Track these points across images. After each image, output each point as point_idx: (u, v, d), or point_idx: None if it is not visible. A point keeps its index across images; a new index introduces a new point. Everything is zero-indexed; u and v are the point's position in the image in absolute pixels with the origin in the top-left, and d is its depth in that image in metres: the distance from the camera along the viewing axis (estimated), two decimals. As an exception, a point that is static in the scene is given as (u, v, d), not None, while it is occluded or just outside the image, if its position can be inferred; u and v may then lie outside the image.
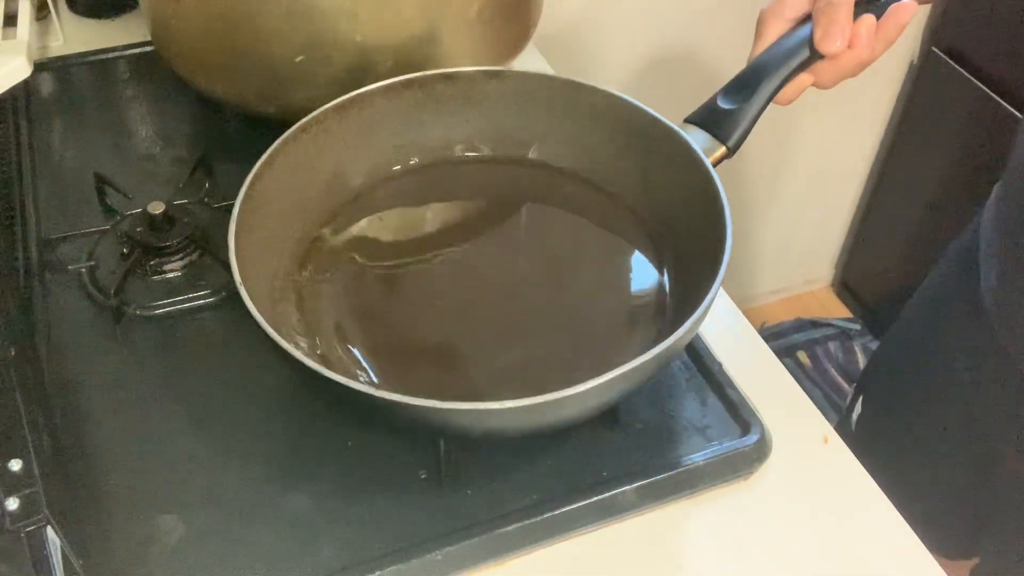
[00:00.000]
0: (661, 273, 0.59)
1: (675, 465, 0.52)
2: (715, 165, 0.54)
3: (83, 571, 0.43)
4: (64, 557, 0.42)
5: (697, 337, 0.60)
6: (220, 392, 0.56)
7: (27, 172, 0.71)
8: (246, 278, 0.49)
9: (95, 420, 0.54)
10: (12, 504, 0.41)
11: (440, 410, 0.43)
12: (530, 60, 0.86)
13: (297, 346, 0.49)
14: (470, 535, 0.49)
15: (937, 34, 1.41)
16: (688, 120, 0.56)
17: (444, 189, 0.65)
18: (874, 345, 1.71)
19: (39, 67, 0.81)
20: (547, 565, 0.49)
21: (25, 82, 0.72)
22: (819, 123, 1.50)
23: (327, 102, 0.62)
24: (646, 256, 0.60)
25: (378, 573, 0.47)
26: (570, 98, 0.62)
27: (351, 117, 0.61)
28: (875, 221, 1.68)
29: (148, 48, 0.83)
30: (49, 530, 0.41)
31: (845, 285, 1.81)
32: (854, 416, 0.90)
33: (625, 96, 0.60)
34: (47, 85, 0.82)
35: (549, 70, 0.87)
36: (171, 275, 0.63)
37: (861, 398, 0.91)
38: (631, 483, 0.51)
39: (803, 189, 1.62)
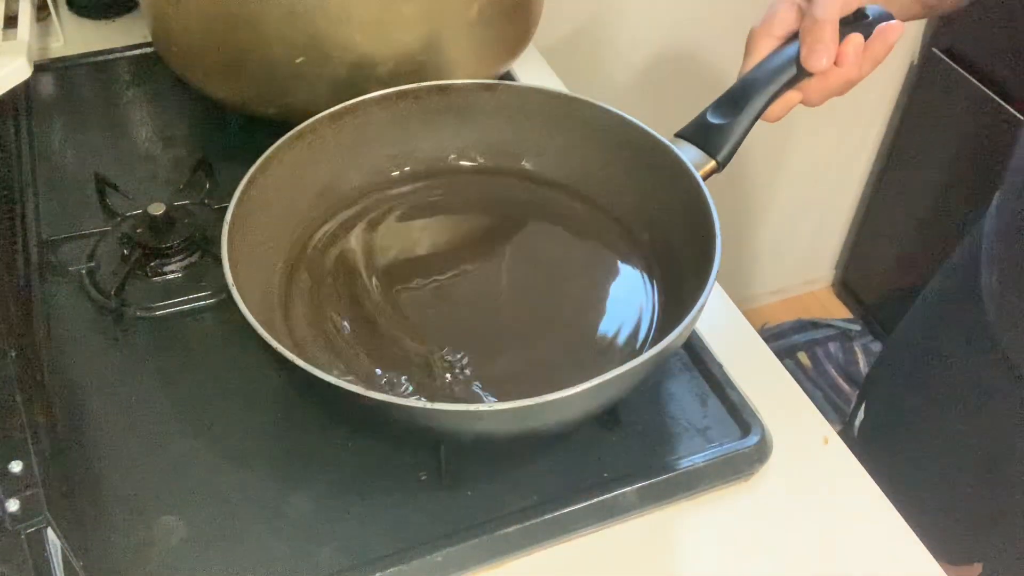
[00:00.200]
0: (651, 285, 0.59)
1: (676, 466, 0.52)
2: (705, 179, 0.55)
3: (83, 572, 0.43)
4: (64, 558, 0.42)
5: (697, 338, 0.60)
6: (220, 393, 0.56)
7: (27, 173, 0.71)
8: (239, 282, 0.49)
9: (95, 421, 0.54)
10: (13, 505, 0.41)
11: (428, 411, 0.43)
12: (530, 61, 0.86)
13: (288, 348, 0.49)
14: (470, 536, 0.49)
15: (937, 34, 1.42)
16: (678, 135, 0.57)
17: (437, 199, 0.65)
18: (875, 346, 1.71)
19: (39, 68, 0.81)
20: (547, 566, 0.49)
21: (25, 83, 0.72)
22: (819, 124, 1.50)
23: (328, 103, 0.62)
24: (636, 268, 0.60)
25: (378, 574, 0.47)
26: (563, 111, 0.63)
27: (345, 126, 0.61)
28: (875, 221, 1.68)
29: (148, 49, 0.83)
30: (49, 531, 0.41)
31: (845, 286, 1.82)
32: (856, 423, 0.91)
33: (616, 110, 0.60)
34: (47, 86, 0.82)
35: (549, 71, 0.87)
36: (171, 276, 0.63)
37: (864, 405, 0.91)
38: (631, 484, 0.51)
39: (803, 190, 1.62)
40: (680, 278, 0.56)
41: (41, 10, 0.86)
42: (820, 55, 0.55)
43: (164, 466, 0.52)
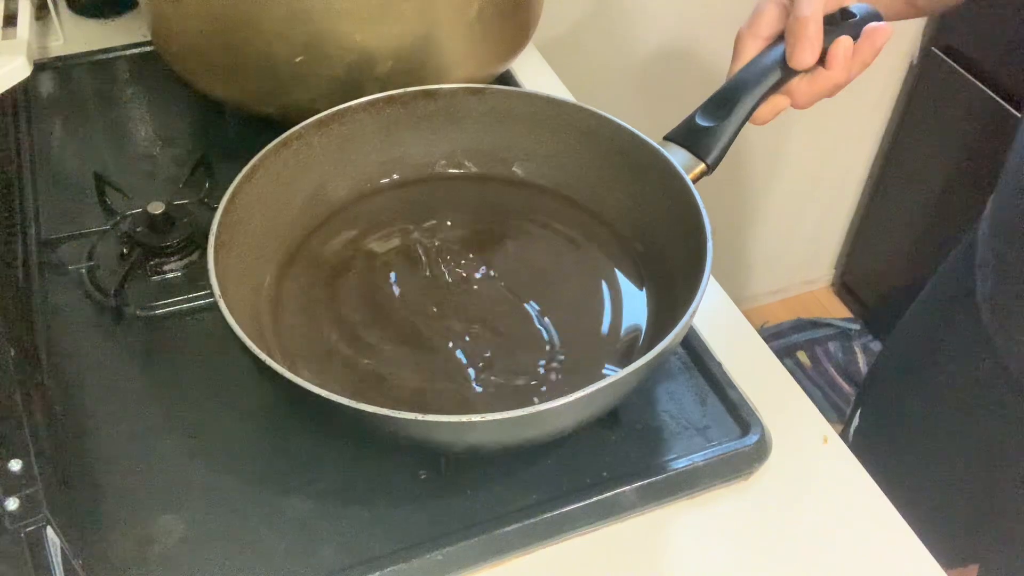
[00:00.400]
0: (642, 289, 0.59)
1: (675, 466, 0.52)
2: (695, 182, 0.55)
3: (83, 570, 0.43)
4: (64, 557, 0.42)
5: (697, 338, 0.60)
6: (220, 392, 0.56)
7: (27, 172, 0.71)
8: (226, 292, 0.49)
9: (95, 420, 0.54)
10: (12, 504, 0.41)
11: (420, 423, 0.43)
12: (530, 61, 0.86)
13: (278, 359, 0.49)
14: (470, 535, 0.49)
15: (937, 34, 1.42)
16: (667, 138, 0.57)
17: (426, 205, 0.65)
18: (874, 345, 1.71)
19: (39, 67, 0.81)
20: (547, 565, 0.49)
21: (25, 82, 0.72)
22: (819, 123, 1.50)
23: (327, 102, 0.62)
24: (627, 273, 0.60)
25: (378, 573, 0.47)
26: (551, 116, 0.63)
27: (332, 132, 0.61)
28: (875, 221, 1.68)
29: (148, 48, 0.83)
30: (49, 530, 0.41)
31: (845, 285, 1.82)
32: (851, 429, 0.91)
33: (605, 114, 0.60)
34: (47, 85, 0.82)
35: (549, 71, 0.87)
36: (171, 275, 0.63)
37: (859, 411, 0.91)
38: (631, 483, 0.51)
39: (803, 189, 1.62)
40: (672, 282, 0.56)
41: (41, 9, 0.86)
42: (804, 51, 0.55)
43: (163, 465, 0.52)
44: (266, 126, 0.71)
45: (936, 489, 0.80)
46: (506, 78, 0.81)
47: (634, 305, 0.58)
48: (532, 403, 0.43)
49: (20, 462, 0.42)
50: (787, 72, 0.56)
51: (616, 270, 0.61)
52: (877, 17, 0.57)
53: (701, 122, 0.56)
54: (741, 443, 0.54)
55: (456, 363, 0.54)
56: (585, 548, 0.50)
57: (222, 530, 0.49)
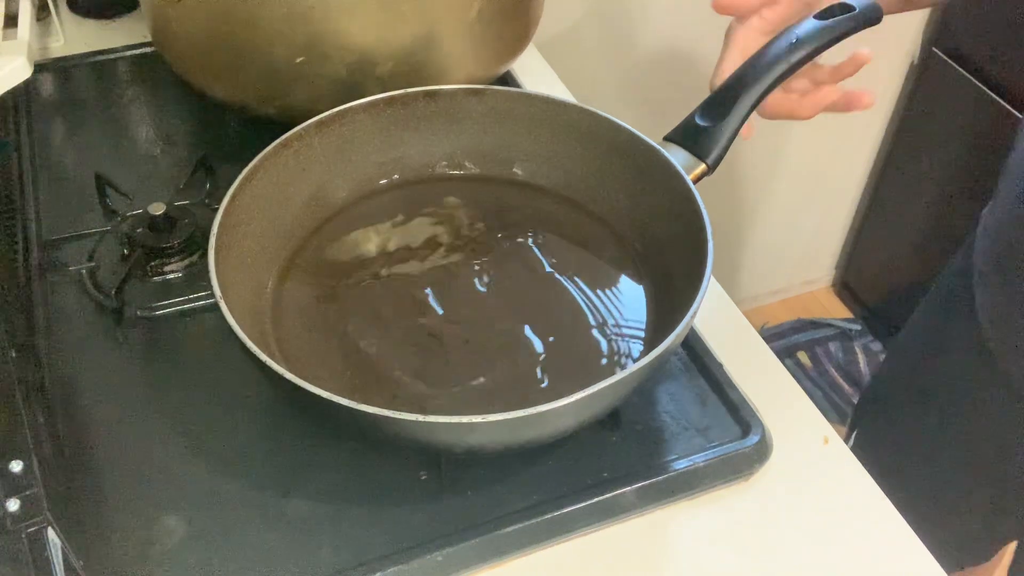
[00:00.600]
0: (643, 290, 0.59)
1: (675, 466, 0.52)
2: (695, 182, 0.55)
3: (84, 571, 0.43)
4: (65, 558, 0.42)
5: (697, 338, 0.60)
6: (220, 392, 0.56)
7: (28, 173, 0.71)
8: (227, 293, 0.49)
9: (96, 420, 0.54)
10: (13, 505, 0.41)
11: (421, 424, 0.43)
12: (531, 62, 0.86)
13: (280, 360, 0.49)
14: (471, 536, 0.49)
15: (937, 34, 1.42)
16: (667, 138, 0.57)
17: (426, 206, 0.65)
18: (875, 345, 1.71)
19: (40, 68, 0.81)
20: (547, 565, 0.49)
21: (26, 83, 0.72)
22: (819, 123, 1.49)
23: (328, 103, 0.62)
24: (628, 274, 0.60)
25: (379, 574, 0.47)
26: (551, 116, 0.63)
27: (332, 133, 0.61)
28: (875, 221, 1.68)
29: (149, 49, 0.83)
30: (50, 531, 0.41)
31: (845, 285, 1.82)
32: (852, 437, 0.91)
33: (605, 114, 0.60)
34: (48, 86, 0.82)
35: (550, 71, 0.87)
36: (172, 276, 0.63)
37: (855, 432, 0.90)
38: (631, 484, 0.51)
39: (803, 189, 1.62)
40: (672, 282, 0.56)
41: (41, 10, 0.86)
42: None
43: (164, 466, 0.52)
44: (267, 127, 0.71)
45: (937, 493, 0.80)
46: (507, 79, 0.81)
47: (636, 304, 0.58)
48: (532, 404, 0.43)
49: (21, 463, 0.42)
50: (787, 69, 0.56)
51: (617, 270, 0.61)
52: (876, 10, 0.57)
53: (700, 122, 0.56)
54: (742, 444, 0.54)
55: (457, 364, 0.54)
56: (585, 548, 0.50)
57: (222, 530, 0.49)
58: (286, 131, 0.59)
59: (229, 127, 0.76)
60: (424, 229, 0.64)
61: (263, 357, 0.45)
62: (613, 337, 0.56)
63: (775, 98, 0.59)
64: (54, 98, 0.80)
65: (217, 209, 0.53)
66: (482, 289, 0.60)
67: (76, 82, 0.82)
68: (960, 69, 1.37)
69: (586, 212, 0.64)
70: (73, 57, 0.84)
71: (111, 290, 0.60)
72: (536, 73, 0.85)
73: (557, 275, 0.61)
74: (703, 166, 0.55)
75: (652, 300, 0.58)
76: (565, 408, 0.43)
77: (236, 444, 0.53)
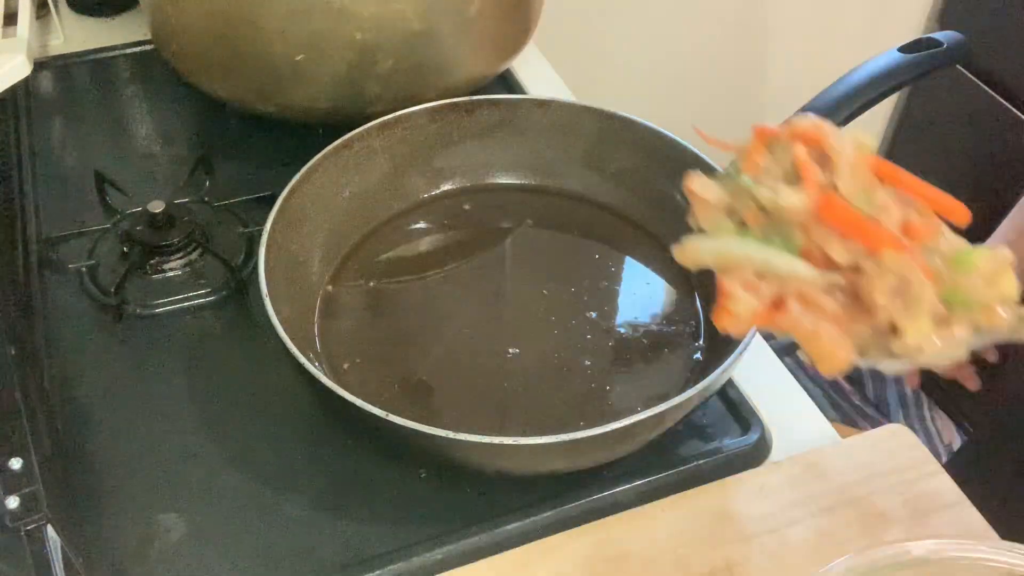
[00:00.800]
0: (700, 312, 0.59)
1: (675, 464, 0.52)
2: None
3: (83, 569, 0.43)
4: (64, 555, 0.42)
5: (697, 336, 0.60)
6: (220, 391, 0.56)
7: (27, 171, 0.71)
8: (273, 293, 0.49)
9: (95, 419, 0.54)
10: (12, 503, 0.41)
11: (453, 441, 0.43)
12: (531, 59, 0.86)
13: (315, 363, 0.49)
14: (470, 534, 0.49)
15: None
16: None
17: (481, 215, 0.65)
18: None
19: (39, 65, 0.81)
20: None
21: (25, 80, 0.72)
22: (819, 122, 1.50)
23: (327, 101, 0.62)
24: (686, 296, 0.60)
25: (378, 572, 0.47)
26: (616, 132, 0.62)
27: (394, 136, 0.61)
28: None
29: (148, 47, 0.83)
30: (49, 528, 0.41)
31: (845, 284, 1.82)
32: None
33: (671, 135, 0.60)
34: (47, 84, 0.81)
35: (550, 70, 0.87)
36: (171, 274, 0.63)
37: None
38: (631, 482, 0.51)
39: (803, 188, 1.62)
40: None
41: (41, 7, 0.86)
42: None
43: (164, 463, 0.52)
44: (266, 125, 0.71)
45: None
46: (507, 76, 0.81)
47: (691, 328, 0.58)
48: (578, 427, 0.43)
49: (20, 460, 0.42)
50: (867, 103, 0.54)
51: (675, 291, 0.60)
52: (964, 46, 0.55)
53: None
54: (741, 441, 0.54)
55: (508, 378, 0.54)
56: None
57: (222, 529, 0.49)
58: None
59: (229, 125, 0.76)
60: (476, 238, 0.64)
61: (302, 359, 0.45)
62: (663, 349, 0.56)
63: None
64: (53, 96, 0.80)
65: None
66: (532, 301, 0.59)
67: (75, 80, 0.82)
68: (960, 69, 1.37)
69: (644, 232, 0.63)
70: (72, 55, 0.84)
71: (111, 288, 0.60)
72: (537, 71, 0.85)
73: (607, 290, 0.60)
74: None
75: (706, 323, 0.58)
76: (602, 436, 0.43)
77: (235, 441, 0.53)
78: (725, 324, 0.32)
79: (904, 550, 0.39)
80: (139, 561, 0.48)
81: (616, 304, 0.60)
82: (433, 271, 0.62)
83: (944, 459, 0.99)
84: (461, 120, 0.63)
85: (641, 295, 0.61)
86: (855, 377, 1.67)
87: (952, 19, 1.38)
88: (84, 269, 0.62)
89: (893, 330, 0.31)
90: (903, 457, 0.53)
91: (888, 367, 0.33)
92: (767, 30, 1.32)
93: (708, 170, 0.56)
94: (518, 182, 0.66)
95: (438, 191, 0.66)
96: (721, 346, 0.51)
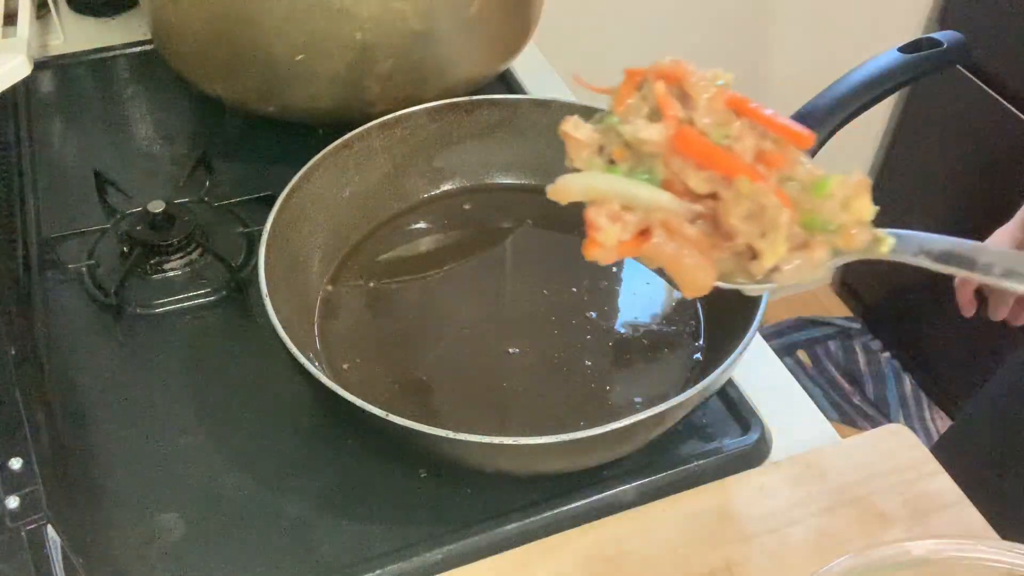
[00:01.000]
0: (699, 312, 0.58)
1: (675, 464, 0.52)
2: None
3: (83, 569, 0.43)
4: (64, 555, 0.42)
5: (697, 336, 0.60)
6: (220, 390, 0.56)
7: (27, 171, 0.70)
8: (274, 290, 0.49)
9: (95, 419, 0.54)
10: (12, 502, 0.41)
11: (453, 441, 0.43)
12: (531, 59, 0.86)
13: (314, 362, 0.50)
14: (470, 534, 0.49)
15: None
16: None
17: (481, 215, 0.65)
18: (875, 344, 1.71)
19: (39, 65, 0.81)
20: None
21: (25, 80, 0.72)
22: (819, 122, 1.50)
23: (327, 101, 0.62)
24: (683, 296, 0.59)
25: (378, 572, 0.47)
26: None
27: (395, 136, 0.61)
28: (875, 220, 1.68)
29: (148, 47, 0.83)
30: (49, 528, 0.41)
31: (846, 284, 1.81)
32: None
33: None
34: (47, 83, 0.81)
35: (551, 70, 0.87)
36: (171, 274, 0.63)
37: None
38: (631, 482, 0.51)
39: (803, 188, 1.62)
40: (724, 309, 0.55)
41: (41, 7, 0.86)
42: None
43: (164, 463, 0.52)
44: (266, 125, 0.71)
45: None
46: (507, 77, 0.81)
47: (689, 327, 0.58)
48: (579, 427, 0.43)
49: (20, 460, 0.42)
50: (866, 103, 0.54)
51: (670, 288, 0.60)
52: (964, 47, 0.55)
53: None
54: (741, 441, 0.54)
55: (508, 378, 0.54)
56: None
57: (222, 529, 0.49)
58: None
59: (228, 125, 0.76)
60: (476, 238, 0.64)
61: (302, 359, 0.45)
62: (663, 348, 0.56)
63: None
64: (53, 96, 0.80)
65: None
66: (532, 300, 0.59)
67: (75, 80, 0.82)
68: (961, 69, 1.37)
69: None
70: (73, 55, 0.84)
71: (111, 288, 0.60)
72: (536, 71, 0.85)
73: (610, 291, 0.60)
74: None
75: (706, 322, 0.58)
76: (615, 432, 0.43)
77: (235, 441, 0.53)
78: (594, 254, 0.34)
79: (904, 550, 0.39)
80: (139, 561, 0.48)
81: (616, 304, 0.60)
82: (433, 271, 0.62)
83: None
84: (461, 120, 0.63)
85: (641, 295, 0.61)
86: (855, 377, 1.67)
87: (952, 19, 1.37)
88: (84, 269, 0.62)
89: (753, 254, 0.33)
90: (903, 457, 0.53)
91: (751, 290, 0.35)
92: (767, 30, 1.32)
93: None
94: (518, 182, 0.66)
95: (438, 191, 0.66)
96: (721, 346, 0.51)
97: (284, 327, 0.47)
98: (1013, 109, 1.29)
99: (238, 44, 0.65)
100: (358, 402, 0.44)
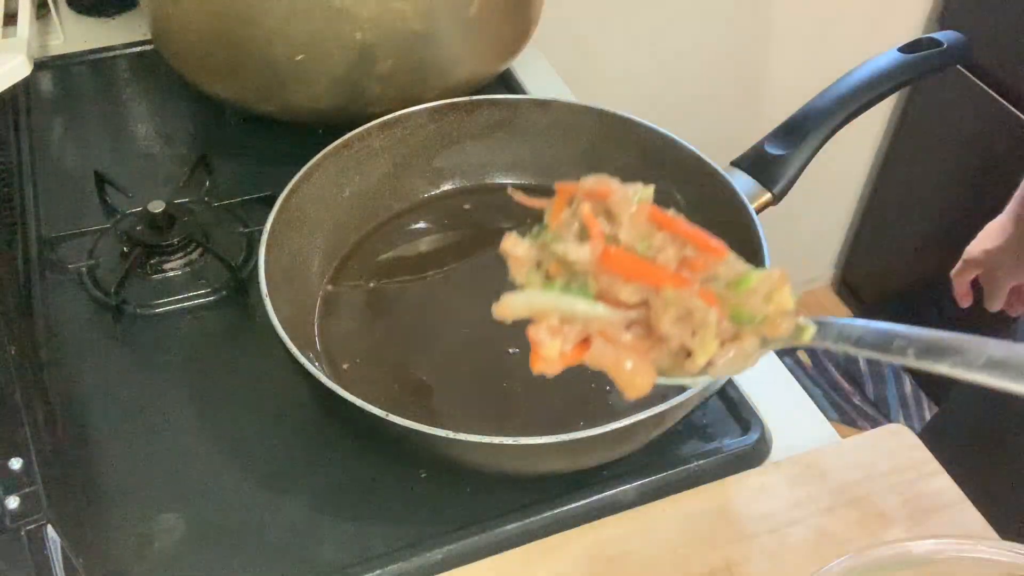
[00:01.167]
0: None
1: (675, 464, 0.52)
2: (759, 212, 0.54)
3: (83, 569, 0.43)
4: (64, 555, 0.42)
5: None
6: (220, 391, 0.56)
7: (27, 171, 0.71)
8: (273, 292, 0.49)
9: (95, 418, 0.54)
10: (12, 503, 0.41)
11: (453, 441, 0.43)
12: (531, 59, 0.86)
13: (314, 362, 0.49)
14: (470, 534, 0.49)
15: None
16: (734, 163, 0.56)
17: (481, 215, 0.65)
18: (874, 344, 1.71)
19: (39, 65, 0.81)
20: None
21: (25, 80, 0.72)
22: (819, 122, 1.49)
23: (327, 101, 0.62)
24: None
25: (379, 571, 0.47)
26: (617, 132, 0.62)
27: (395, 136, 0.61)
28: (875, 221, 1.68)
29: (148, 47, 0.83)
30: (49, 529, 0.41)
31: (846, 284, 1.81)
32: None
33: (672, 135, 0.60)
34: (47, 84, 0.81)
35: (551, 70, 0.87)
36: (171, 274, 0.63)
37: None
38: (631, 482, 0.51)
39: (803, 189, 1.62)
40: None
41: (41, 7, 0.86)
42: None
43: (164, 463, 0.52)
44: (266, 125, 0.71)
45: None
46: (507, 77, 0.81)
47: None
48: (578, 427, 0.43)
49: (20, 460, 0.42)
50: (866, 103, 0.54)
51: None
52: (965, 47, 0.55)
53: (770, 150, 0.55)
54: (741, 441, 0.54)
55: (508, 378, 0.54)
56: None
57: (222, 529, 0.49)
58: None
59: (228, 125, 0.76)
60: (475, 238, 0.64)
61: (302, 359, 0.45)
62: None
63: None
64: (53, 96, 0.80)
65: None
66: None
67: (75, 80, 0.82)
68: (960, 69, 1.37)
69: None
70: (72, 55, 0.84)
71: (111, 288, 0.60)
72: (537, 71, 0.85)
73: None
74: (768, 195, 0.54)
75: None
76: (617, 432, 0.43)
77: (235, 441, 0.53)
78: (539, 368, 0.37)
79: (904, 550, 0.40)
80: (139, 561, 0.48)
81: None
82: (433, 271, 0.62)
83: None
84: (461, 120, 0.63)
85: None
86: (855, 377, 1.67)
87: (952, 19, 1.37)
88: (84, 269, 0.62)
89: (688, 352, 0.36)
90: (903, 457, 0.53)
91: (691, 383, 0.37)
92: (767, 30, 1.32)
93: (709, 173, 0.56)
94: (518, 182, 0.66)
95: (438, 191, 0.66)
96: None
97: (284, 327, 0.47)
98: (1013, 109, 1.29)
99: (238, 44, 0.65)
100: (358, 402, 0.44)
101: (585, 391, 0.55)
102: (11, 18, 0.75)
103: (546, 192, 0.60)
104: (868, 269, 1.75)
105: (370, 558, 0.48)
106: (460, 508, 0.50)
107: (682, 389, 0.45)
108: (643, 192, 0.37)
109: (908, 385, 1.63)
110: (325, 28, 0.63)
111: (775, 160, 0.55)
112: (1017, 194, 0.79)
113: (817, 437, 0.56)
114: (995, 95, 1.32)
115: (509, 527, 0.49)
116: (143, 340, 0.59)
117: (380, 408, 0.43)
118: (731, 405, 0.56)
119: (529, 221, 0.65)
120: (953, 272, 0.83)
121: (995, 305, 0.81)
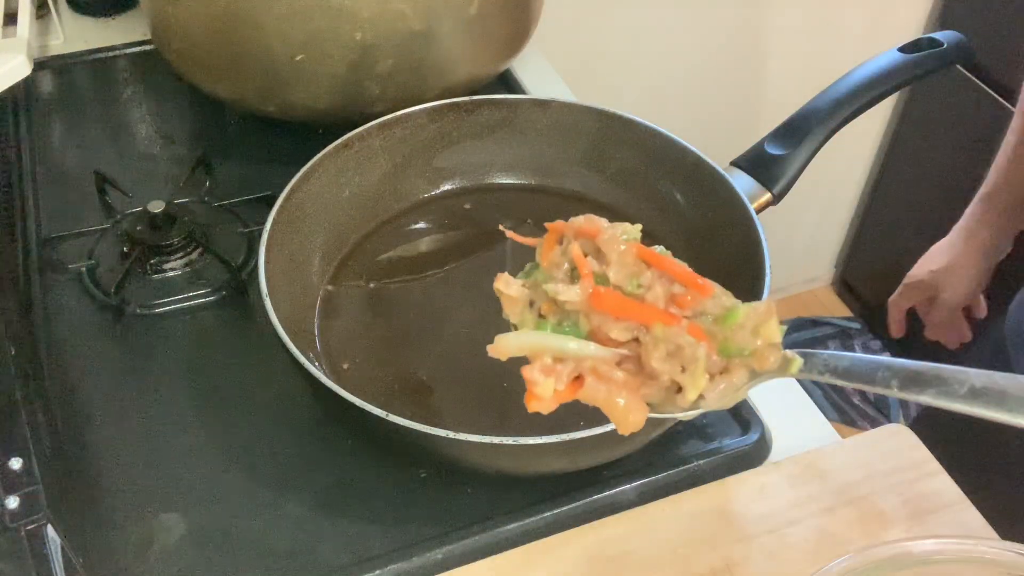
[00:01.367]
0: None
1: (675, 464, 0.52)
2: (759, 212, 0.54)
3: (83, 569, 0.43)
4: (64, 555, 0.42)
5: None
6: (220, 390, 0.56)
7: (27, 171, 0.71)
8: (273, 292, 0.49)
9: (95, 419, 0.54)
10: (12, 502, 0.41)
11: (453, 441, 0.43)
12: (531, 59, 0.86)
13: (315, 362, 0.49)
14: (470, 534, 0.49)
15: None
16: (734, 163, 0.56)
17: (481, 215, 0.65)
18: (874, 344, 1.70)
19: (39, 65, 0.81)
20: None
21: (25, 80, 0.72)
22: (819, 122, 1.49)
23: (327, 101, 0.62)
24: None
25: (379, 572, 0.47)
26: (615, 132, 0.62)
27: (394, 136, 0.61)
28: (875, 220, 1.68)
29: (148, 47, 0.83)
30: (49, 528, 0.41)
31: (845, 284, 1.81)
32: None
33: (673, 136, 0.60)
34: (47, 83, 0.81)
35: (551, 70, 0.87)
36: (171, 273, 0.63)
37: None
38: (631, 482, 0.51)
39: (803, 189, 1.62)
40: None
41: (41, 7, 0.86)
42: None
43: (164, 463, 0.52)
44: (266, 125, 0.71)
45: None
46: (507, 77, 0.81)
47: None
48: (578, 427, 0.43)
49: (20, 460, 0.42)
50: (866, 103, 0.54)
51: None
52: (966, 47, 0.55)
53: (770, 150, 0.55)
54: (741, 441, 0.54)
55: (508, 378, 0.54)
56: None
57: (223, 528, 0.49)
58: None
59: (228, 125, 0.76)
60: (475, 238, 0.64)
61: (302, 358, 0.45)
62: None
63: None
64: (53, 96, 0.80)
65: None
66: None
67: (75, 80, 0.82)
68: (960, 69, 1.37)
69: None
70: (72, 55, 0.84)
71: (111, 288, 0.60)
72: (537, 71, 0.85)
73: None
74: (768, 195, 0.54)
75: None
76: (598, 437, 0.43)
77: (235, 441, 0.53)
78: (535, 407, 0.38)
79: (904, 550, 0.40)
80: (139, 560, 0.48)
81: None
82: (433, 271, 0.62)
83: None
84: (461, 120, 0.63)
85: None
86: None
87: (952, 19, 1.37)
88: (84, 269, 0.62)
89: (679, 387, 0.36)
90: (903, 457, 0.53)
91: (684, 417, 0.38)
92: (767, 30, 1.32)
93: (709, 173, 0.56)
94: (518, 182, 0.66)
95: (438, 191, 0.66)
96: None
97: (284, 327, 0.47)
98: (1013, 109, 1.29)
99: (238, 44, 0.65)
100: (358, 402, 0.44)
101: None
102: (11, 18, 0.75)
103: (545, 192, 0.61)
104: (868, 269, 1.75)
105: (370, 558, 0.48)
106: (460, 508, 0.50)
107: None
108: (631, 231, 0.38)
109: (908, 385, 1.62)
110: (325, 28, 0.63)
111: (775, 160, 0.55)
112: (968, 211, 0.78)
113: (817, 437, 0.56)
114: (995, 95, 1.32)
115: (509, 527, 0.49)
116: (143, 340, 0.59)
117: (380, 408, 0.43)
118: (731, 405, 0.56)
119: (529, 221, 0.65)
120: (891, 298, 0.81)
121: (933, 336, 0.79)
